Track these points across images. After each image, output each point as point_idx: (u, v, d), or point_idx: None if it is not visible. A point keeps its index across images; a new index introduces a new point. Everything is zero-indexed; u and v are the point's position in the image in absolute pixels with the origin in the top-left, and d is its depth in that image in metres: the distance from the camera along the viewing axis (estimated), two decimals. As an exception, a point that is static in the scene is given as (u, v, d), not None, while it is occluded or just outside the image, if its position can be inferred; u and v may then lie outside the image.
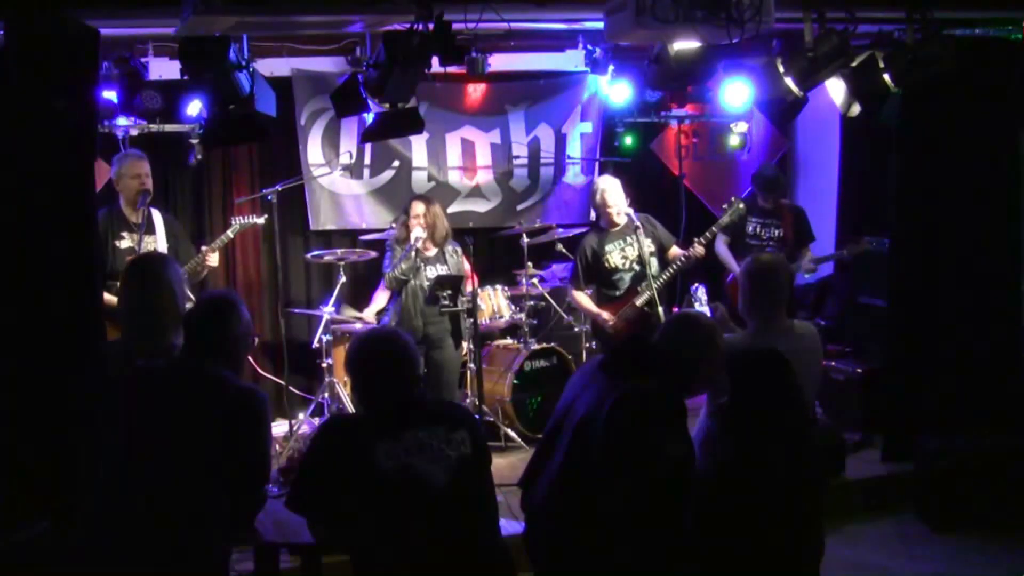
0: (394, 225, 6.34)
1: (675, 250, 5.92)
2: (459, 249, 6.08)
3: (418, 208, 5.92)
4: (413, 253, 5.86)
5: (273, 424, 6.86)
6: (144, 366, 3.36)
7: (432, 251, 6.00)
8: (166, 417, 3.07)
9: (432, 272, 5.94)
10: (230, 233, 5.80)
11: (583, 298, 6.02)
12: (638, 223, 5.78)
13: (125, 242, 5.35)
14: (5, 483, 3.74)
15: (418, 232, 5.84)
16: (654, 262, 5.83)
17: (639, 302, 5.77)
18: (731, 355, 3.38)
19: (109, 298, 4.48)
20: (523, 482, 3.48)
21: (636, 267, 5.84)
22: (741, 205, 5.96)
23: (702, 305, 5.19)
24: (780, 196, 6.70)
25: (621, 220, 5.88)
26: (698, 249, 5.77)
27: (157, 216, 5.53)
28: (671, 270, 5.81)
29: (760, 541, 3.14)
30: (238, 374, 3.30)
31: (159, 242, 5.45)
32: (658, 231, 5.94)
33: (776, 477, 3.17)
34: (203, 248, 5.66)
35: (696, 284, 5.42)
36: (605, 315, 5.87)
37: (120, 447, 3.04)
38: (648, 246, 5.83)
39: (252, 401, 3.15)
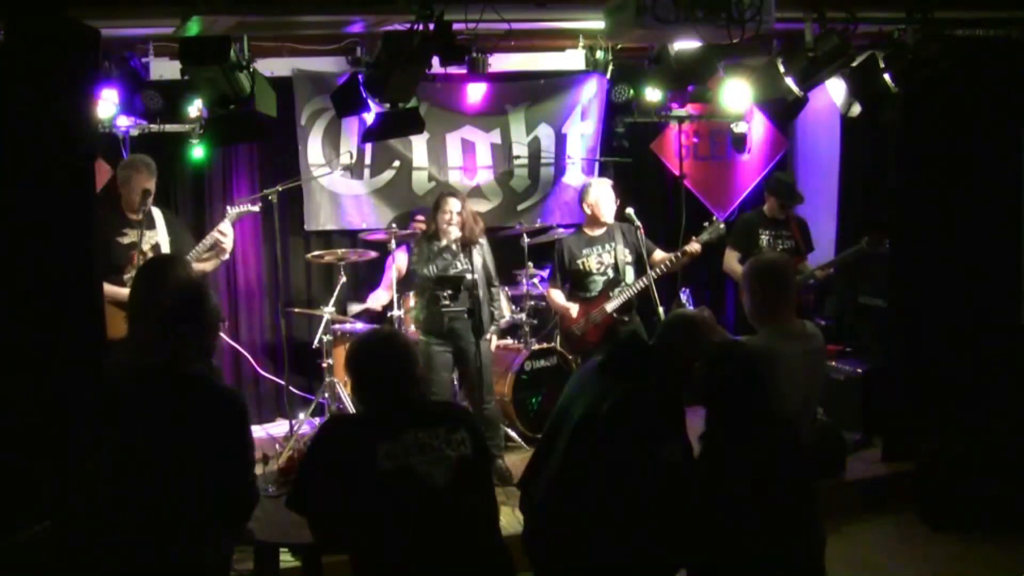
0: (420, 219, 6.23)
1: (659, 254, 5.83)
2: (486, 248, 5.94)
3: (453, 205, 5.73)
4: (447, 252, 5.73)
5: (273, 424, 6.90)
6: (130, 367, 3.38)
7: (459, 248, 5.80)
8: (153, 419, 3.07)
9: (458, 269, 5.77)
10: (228, 221, 5.74)
11: (557, 295, 6.01)
12: (638, 224, 5.79)
13: (127, 238, 5.38)
14: (5, 483, 3.74)
15: (455, 232, 5.70)
16: (629, 271, 5.82)
17: (609, 307, 5.78)
18: (723, 355, 3.32)
19: (111, 289, 4.53)
20: (523, 482, 3.49)
21: (611, 273, 5.82)
22: (722, 225, 5.91)
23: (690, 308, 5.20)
24: (796, 205, 6.59)
25: (609, 220, 5.87)
26: (640, 281, 5.73)
27: (156, 212, 5.56)
28: (643, 281, 5.73)
29: (758, 539, 3.14)
30: (210, 359, 3.33)
31: (160, 236, 5.48)
32: (640, 241, 5.81)
33: (771, 474, 3.17)
34: (219, 228, 5.61)
35: (684, 288, 5.41)
36: (572, 309, 5.85)
37: (114, 448, 3.05)
38: (626, 255, 5.82)
39: (232, 402, 3.17)
